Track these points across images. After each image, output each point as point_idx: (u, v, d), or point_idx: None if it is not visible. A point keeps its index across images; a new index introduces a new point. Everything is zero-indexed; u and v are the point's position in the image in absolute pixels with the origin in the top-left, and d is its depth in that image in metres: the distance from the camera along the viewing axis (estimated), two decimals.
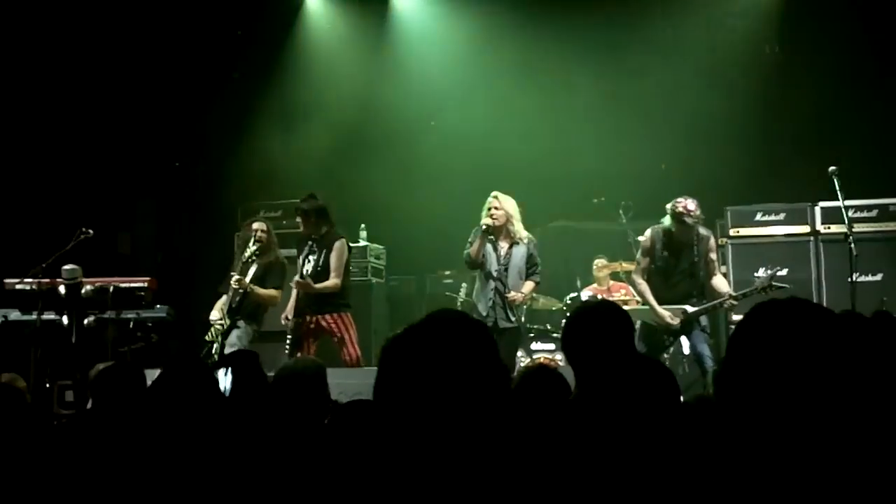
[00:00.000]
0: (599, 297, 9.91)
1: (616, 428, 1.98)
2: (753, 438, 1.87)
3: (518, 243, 7.99)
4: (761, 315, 1.96)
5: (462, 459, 1.81)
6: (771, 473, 1.84)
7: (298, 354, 7.84)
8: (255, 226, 8.40)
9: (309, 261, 8.08)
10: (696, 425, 2.11)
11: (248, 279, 8.07)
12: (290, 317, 8.09)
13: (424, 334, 1.93)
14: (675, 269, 7.67)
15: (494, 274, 7.88)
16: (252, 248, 8.12)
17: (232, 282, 8.06)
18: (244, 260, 8.11)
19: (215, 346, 8.00)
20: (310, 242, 8.17)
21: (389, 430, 1.87)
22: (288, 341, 8.04)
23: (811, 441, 1.83)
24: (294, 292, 8.22)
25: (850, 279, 7.78)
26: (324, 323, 8.09)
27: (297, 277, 8.04)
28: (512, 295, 7.85)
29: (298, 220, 8.23)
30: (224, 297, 8.26)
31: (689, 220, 7.40)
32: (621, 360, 2.05)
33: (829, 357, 1.87)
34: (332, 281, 8.08)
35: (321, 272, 8.06)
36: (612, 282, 10.42)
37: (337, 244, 8.16)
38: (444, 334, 1.91)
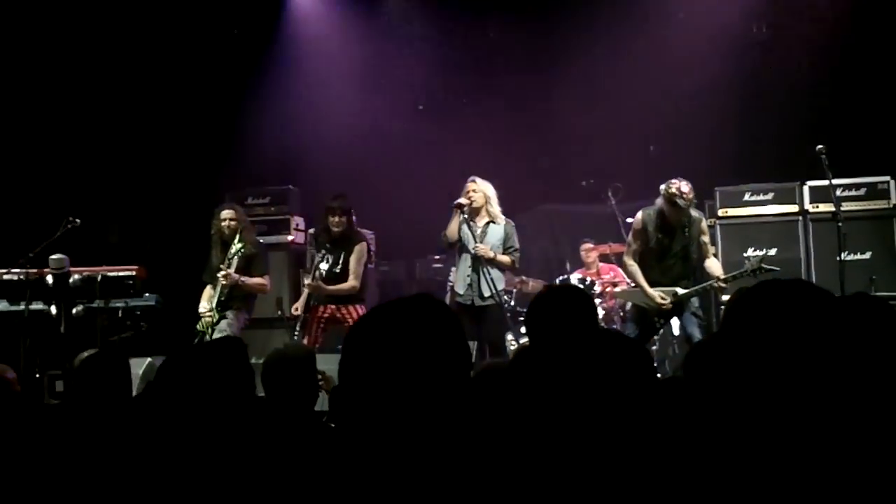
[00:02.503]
0: (589, 279, 9.93)
1: (582, 405, 1.98)
2: (729, 416, 1.88)
3: (495, 222, 8.05)
4: (753, 295, 1.96)
5: (423, 441, 1.82)
6: (745, 447, 1.85)
7: (305, 340, 7.88)
8: (224, 214, 8.25)
9: (326, 260, 8.06)
10: (671, 401, 2.12)
11: (233, 270, 8.02)
12: (301, 309, 8.08)
13: (387, 316, 1.93)
14: (669, 251, 7.64)
15: (471, 252, 7.91)
16: (237, 245, 8.04)
17: (219, 276, 8.00)
18: (230, 256, 8.03)
19: (206, 336, 7.99)
20: (329, 239, 8.14)
21: (353, 413, 1.88)
22: (297, 332, 8.01)
23: (787, 419, 1.84)
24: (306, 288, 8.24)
25: (838, 258, 7.79)
26: (338, 314, 8.11)
27: (308, 280, 7.99)
28: (481, 247, 7.87)
29: (334, 218, 8.08)
30: (209, 288, 8.23)
31: (681, 202, 7.36)
32: (582, 340, 2.05)
33: (815, 339, 1.87)
34: (350, 283, 8.09)
35: (340, 272, 8.05)
36: (601, 264, 10.42)
37: (359, 246, 8.17)
38: (406, 315, 1.92)
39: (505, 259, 8.05)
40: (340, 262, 8.05)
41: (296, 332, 8.01)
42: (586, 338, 2.03)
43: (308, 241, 9.74)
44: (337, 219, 8.09)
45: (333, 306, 8.11)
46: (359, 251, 8.15)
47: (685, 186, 7.38)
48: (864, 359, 2.19)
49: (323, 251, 8.14)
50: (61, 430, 3.31)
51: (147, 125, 11.09)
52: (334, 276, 8.02)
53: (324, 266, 8.02)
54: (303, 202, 10.49)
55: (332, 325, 8.16)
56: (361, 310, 8.11)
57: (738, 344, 1.97)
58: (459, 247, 8.07)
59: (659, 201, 7.55)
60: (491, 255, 7.90)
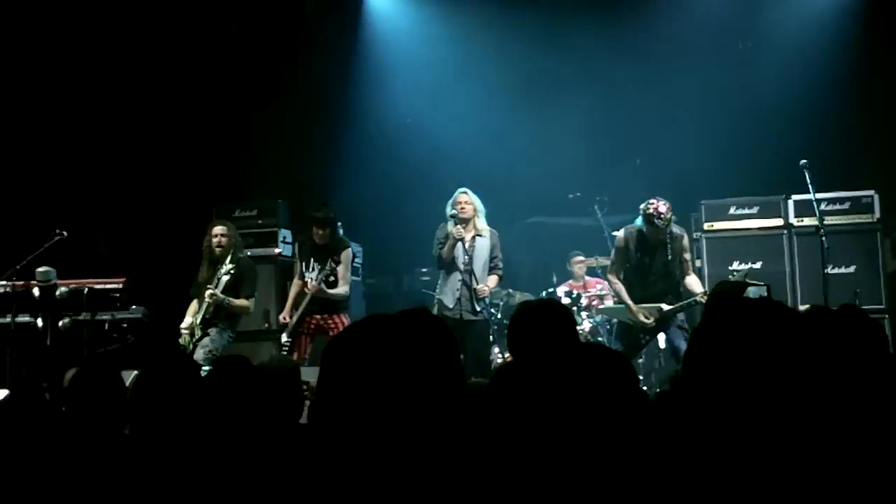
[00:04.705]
0: (576, 292, 9.94)
1: (566, 418, 1.99)
2: (710, 431, 1.90)
3: (481, 235, 8.12)
4: (718, 315, 1.99)
5: (403, 457, 1.82)
6: (726, 464, 1.86)
7: (295, 355, 7.95)
8: (217, 230, 8.33)
9: (314, 267, 8.20)
10: (657, 417, 2.14)
11: (220, 289, 8.03)
12: (287, 317, 8.18)
13: (366, 332, 1.93)
14: (650, 268, 7.73)
15: (461, 267, 7.98)
16: (228, 265, 8.08)
17: (206, 294, 8.02)
18: (220, 275, 8.06)
19: (187, 352, 8.00)
20: (316, 249, 8.27)
21: (332, 427, 1.87)
22: (287, 340, 8.10)
23: (761, 434, 1.86)
24: (292, 292, 8.35)
25: (822, 272, 7.84)
26: (324, 323, 8.22)
27: (311, 283, 8.05)
28: (480, 287, 7.94)
29: (319, 231, 8.24)
30: (195, 303, 8.24)
31: (658, 222, 7.46)
32: (563, 353, 2.06)
33: (780, 354, 1.89)
34: (343, 288, 8.28)
35: (331, 279, 8.14)
36: (588, 277, 10.44)
37: (346, 253, 8.34)
38: (386, 332, 1.92)
39: (495, 280, 8.25)
40: (328, 269, 8.13)
41: (285, 343, 8.08)
42: (568, 352, 2.04)
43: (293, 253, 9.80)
44: (322, 231, 8.19)
45: (319, 316, 8.20)
46: (346, 258, 8.30)
47: (662, 206, 7.46)
48: (847, 370, 2.22)
49: (311, 259, 8.22)
50: (57, 443, 3.31)
51: (134, 138, 11.07)
52: (326, 284, 8.12)
53: (313, 274, 8.11)
54: (290, 215, 10.49)
55: (318, 336, 8.23)
56: (346, 319, 8.25)
57: (705, 362, 1.99)
58: (448, 261, 8.13)
59: (639, 220, 7.63)
60: (488, 291, 8.10)
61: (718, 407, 1.90)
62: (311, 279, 8.15)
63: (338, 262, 8.20)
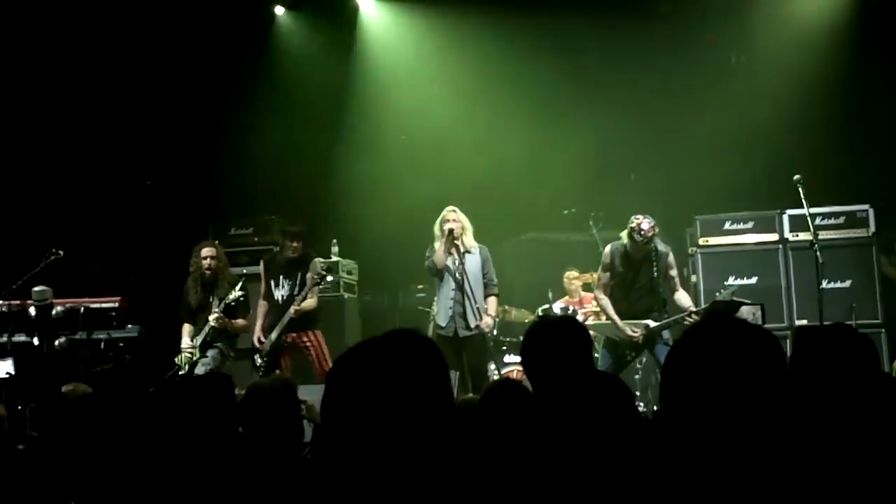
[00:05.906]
0: (571, 308, 9.95)
1: (571, 440, 2.00)
2: (690, 450, 1.90)
3: (470, 252, 8.12)
4: (690, 339, 2.00)
5: (405, 475, 1.83)
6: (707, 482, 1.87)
7: (278, 372, 7.92)
8: (205, 252, 8.36)
9: (284, 284, 8.23)
10: (649, 439, 2.14)
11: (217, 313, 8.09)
12: (263, 338, 8.15)
13: (368, 354, 1.94)
14: (634, 284, 7.74)
15: (453, 284, 7.97)
16: (237, 293, 8.12)
17: (211, 319, 8.04)
18: (229, 301, 8.10)
19: (181, 371, 8.01)
20: (285, 264, 8.26)
21: (336, 450, 1.88)
22: (262, 362, 8.08)
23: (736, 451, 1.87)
24: (261, 312, 8.30)
25: (818, 286, 7.84)
26: (299, 341, 8.21)
27: (293, 308, 8.06)
28: (484, 322, 7.94)
29: (293, 243, 8.25)
30: (188, 326, 8.27)
31: (637, 237, 7.49)
32: (578, 375, 2.07)
33: (750, 376, 1.90)
34: (313, 301, 8.25)
35: (299, 294, 8.16)
36: (583, 293, 10.43)
37: (313, 263, 8.30)
38: (387, 352, 1.93)
39: (493, 303, 8.24)
40: (298, 284, 8.20)
41: (260, 365, 8.07)
42: (581, 378, 2.04)
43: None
44: (295, 244, 8.26)
45: (294, 334, 8.22)
46: (314, 269, 8.26)
47: (645, 224, 7.48)
48: (836, 386, 2.23)
49: (280, 276, 8.26)
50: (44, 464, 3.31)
51: (130, 156, 11.08)
52: (294, 300, 8.13)
53: (283, 292, 8.15)
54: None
55: (295, 353, 8.24)
56: (320, 336, 8.29)
57: (678, 383, 2.00)
58: (441, 277, 8.11)
59: (624, 235, 7.66)
60: (491, 321, 8.12)
61: (693, 428, 1.90)
62: (282, 296, 8.21)
63: (305, 274, 8.19)
